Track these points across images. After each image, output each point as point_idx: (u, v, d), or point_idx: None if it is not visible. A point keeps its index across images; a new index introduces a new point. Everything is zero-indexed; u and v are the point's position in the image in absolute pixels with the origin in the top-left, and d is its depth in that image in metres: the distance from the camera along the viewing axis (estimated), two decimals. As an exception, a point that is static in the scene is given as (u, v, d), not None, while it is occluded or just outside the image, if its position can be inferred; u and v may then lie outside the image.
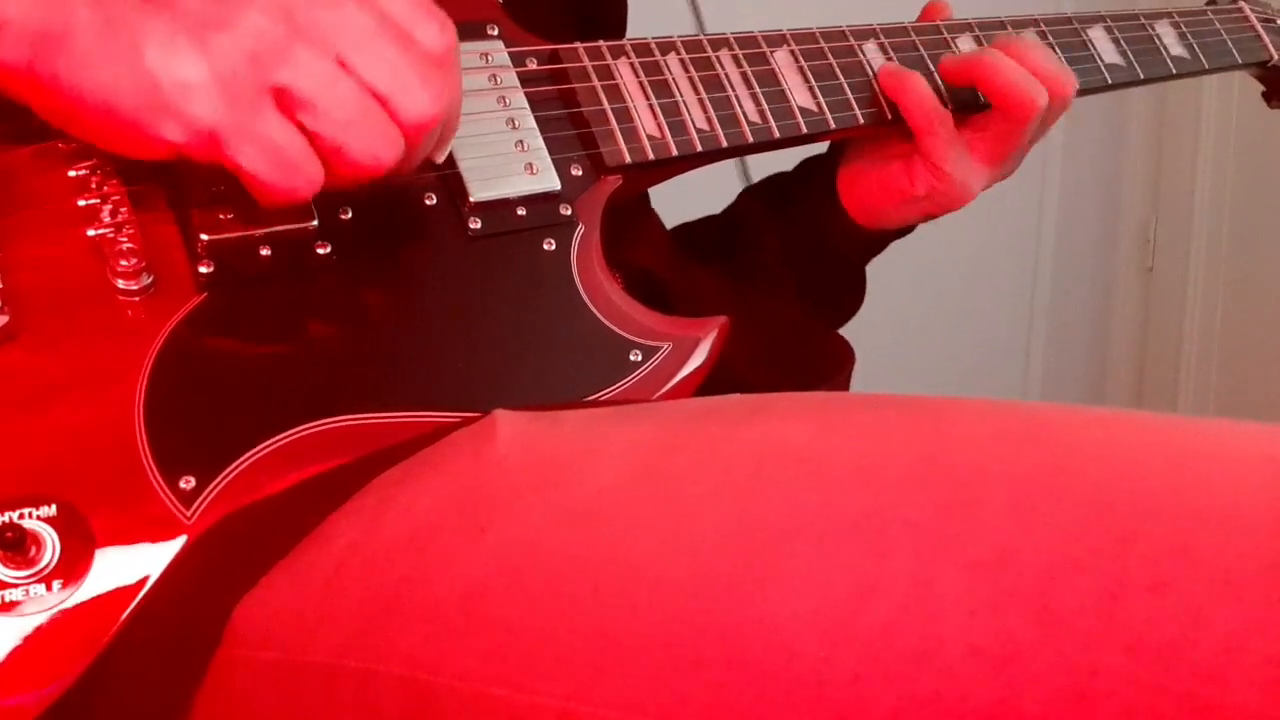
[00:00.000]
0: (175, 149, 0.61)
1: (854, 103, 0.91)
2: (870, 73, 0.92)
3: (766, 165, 0.99)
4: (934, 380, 2.53)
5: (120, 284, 0.66)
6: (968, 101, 0.95)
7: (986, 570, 0.49)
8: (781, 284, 1.02)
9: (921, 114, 0.92)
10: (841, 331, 1.04)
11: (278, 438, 0.66)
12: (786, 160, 0.96)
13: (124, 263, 0.66)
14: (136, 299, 0.67)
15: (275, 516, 0.65)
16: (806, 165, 1.03)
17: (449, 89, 0.66)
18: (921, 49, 0.94)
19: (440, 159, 0.70)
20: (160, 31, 0.60)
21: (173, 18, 0.60)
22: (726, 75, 0.87)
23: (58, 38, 0.59)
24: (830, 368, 0.99)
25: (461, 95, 0.68)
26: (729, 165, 0.98)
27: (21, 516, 0.60)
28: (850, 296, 1.06)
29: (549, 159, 0.79)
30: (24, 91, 0.61)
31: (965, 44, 0.97)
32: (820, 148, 1.00)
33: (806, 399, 0.67)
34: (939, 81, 0.95)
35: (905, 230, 1.02)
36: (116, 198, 0.68)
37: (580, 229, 0.79)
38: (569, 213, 0.79)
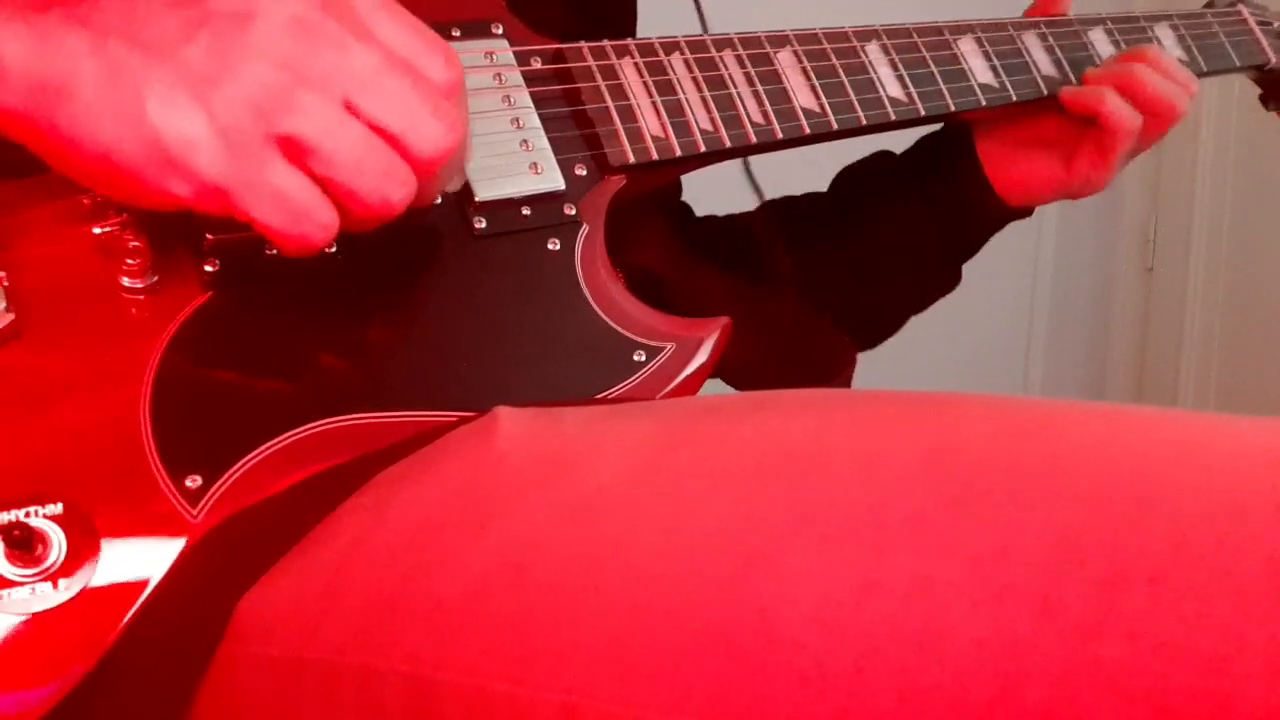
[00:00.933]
0: (181, 202, 0.60)
1: (856, 104, 0.91)
2: (873, 73, 0.93)
3: (769, 166, 0.99)
4: (934, 380, 2.52)
5: (126, 282, 0.66)
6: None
7: (987, 563, 0.49)
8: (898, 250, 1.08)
9: (1119, 122, 1.00)
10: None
11: (283, 436, 0.67)
12: (786, 160, 0.96)
13: (130, 261, 0.66)
14: (142, 297, 0.67)
15: (279, 514, 0.65)
16: (931, 142, 1.09)
17: (461, 119, 0.65)
18: (924, 50, 0.95)
19: (455, 189, 0.70)
20: (162, 84, 0.58)
21: (175, 69, 0.59)
22: (730, 75, 0.87)
23: (58, 88, 0.58)
24: (831, 368, 0.99)
25: (469, 125, 0.67)
26: (734, 166, 0.98)
27: (28, 515, 0.60)
28: (949, 279, 1.13)
29: (553, 159, 0.79)
30: (24, 137, 0.60)
31: (966, 45, 0.97)
32: (828, 149, 0.99)
33: (807, 395, 0.67)
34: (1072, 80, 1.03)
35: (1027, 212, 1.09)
36: None
37: (584, 229, 0.79)
38: (573, 212, 0.79)
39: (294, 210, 0.61)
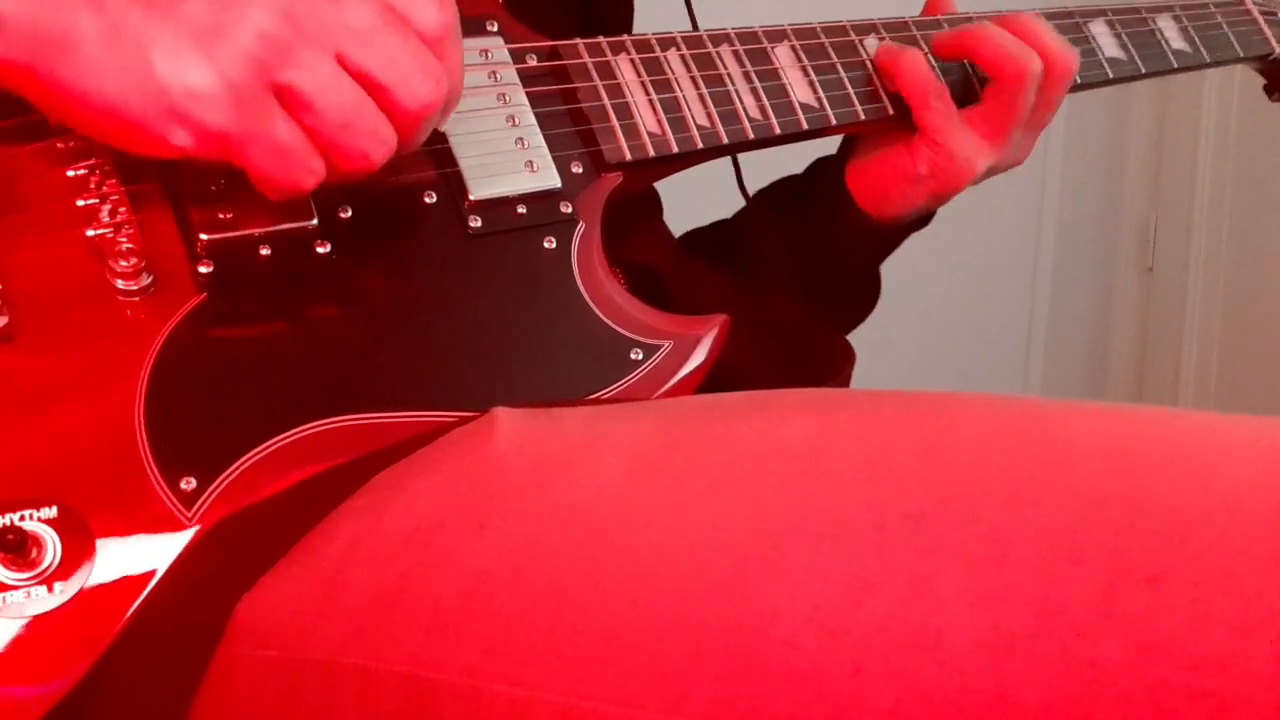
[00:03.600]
0: (183, 151, 0.62)
1: (855, 98, 0.90)
2: (871, 68, 0.92)
3: (764, 163, 0.99)
4: (934, 380, 2.53)
5: (120, 284, 0.66)
6: (966, 87, 0.95)
7: (985, 564, 0.49)
8: (783, 284, 1.01)
9: (918, 88, 0.91)
10: (841, 331, 1.04)
11: (278, 438, 0.66)
12: (784, 157, 0.96)
13: (123, 263, 0.66)
14: (136, 299, 0.66)
15: (276, 516, 0.65)
16: (816, 164, 1.03)
17: (450, 70, 0.67)
18: (923, 45, 0.94)
19: (444, 126, 0.70)
20: (166, 39, 0.60)
21: (177, 24, 0.60)
22: (727, 71, 0.86)
23: (59, 42, 0.59)
24: (830, 367, 0.99)
25: (463, 69, 0.68)
26: (724, 166, 0.98)
27: (22, 519, 0.60)
28: (863, 297, 1.05)
29: (549, 156, 0.79)
30: (26, 89, 0.61)
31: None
32: (827, 146, 0.99)
33: (806, 395, 0.67)
34: (932, 60, 0.94)
35: (918, 224, 1.01)
36: (115, 197, 0.67)
37: (581, 227, 0.79)
38: (569, 210, 0.79)
39: (288, 158, 0.63)
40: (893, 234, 1.00)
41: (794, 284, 1.01)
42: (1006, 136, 0.94)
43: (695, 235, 1.07)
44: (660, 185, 0.95)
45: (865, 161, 0.97)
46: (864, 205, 0.98)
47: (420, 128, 0.67)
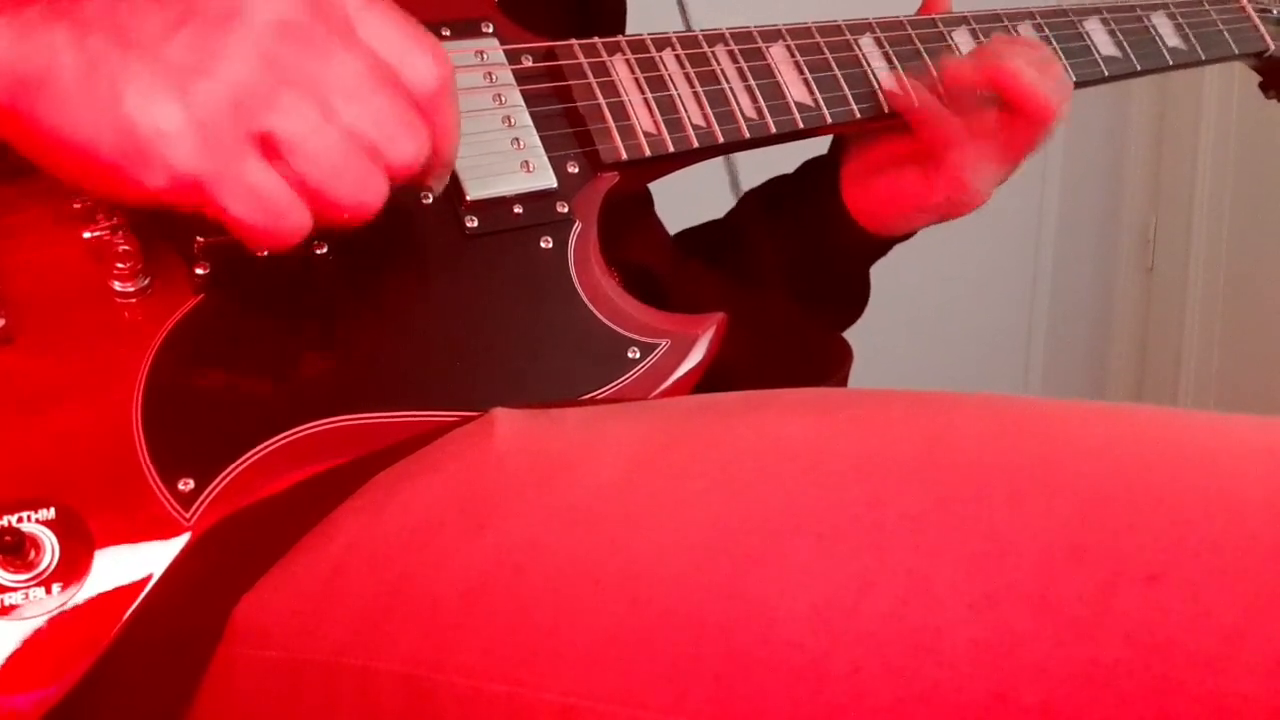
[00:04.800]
0: (157, 195, 0.59)
1: (850, 98, 0.90)
2: (867, 66, 0.92)
3: (758, 163, 0.99)
4: (933, 380, 2.52)
5: (117, 286, 0.66)
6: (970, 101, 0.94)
7: (985, 563, 0.49)
8: (778, 284, 1.01)
9: (943, 130, 0.92)
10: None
11: (276, 438, 0.66)
12: (780, 156, 0.96)
13: (120, 265, 0.66)
14: (133, 301, 0.66)
15: (275, 516, 0.65)
16: (808, 168, 1.02)
17: (444, 128, 0.65)
18: (918, 43, 0.94)
19: (439, 190, 0.70)
20: (142, 78, 0.58)
21: (154, 64, 0.58)
22: (722, 71, 0.86)
23: (39, 79, 0.58)
24: (828, 366, 0.99)
25: (459, 123, 0.66)
26: (718, 166, 0.98)
27: (20, 520, 0.60)
28: (853, 301, 1.05)
29: (545, 156, 0.79)
30: (6, 130, 0.59)
31: (961, 38, 0.97)
32: (818, 145, 0.99)
33: (805, 394, 0.67)
34: (936, 76, 0.94)
35: (910, 233, 1.01)
36: None
37: (577, 226, 0.79)
38: (566, 210, 0.79)
39: (267, 207, 0.60)
40: (884, 244, 1.01)
41: (785, 285, 1.01)
42: (1018, 164, 0.95)
43: (688, 235, 1.07)
44: (654, 184, 0.95)
45: (869, 180, 0.97)
46: (863, 221, 0.98)
47: (420, 177, 0.65)
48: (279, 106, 0.59)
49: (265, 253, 0.69)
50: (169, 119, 0.58)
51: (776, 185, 1.05)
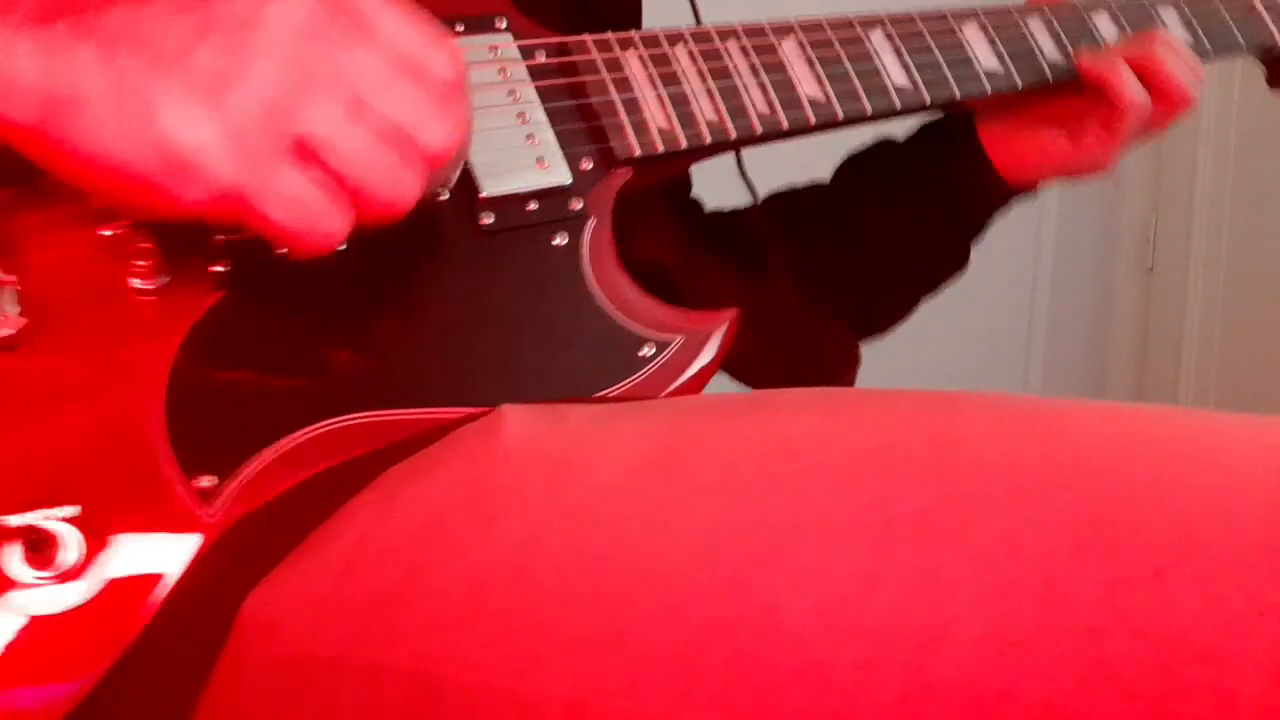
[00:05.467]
0: (197, 209, 0.60)
1: (861, 92, 0.90)
2: (878, 61, 0.92)
3: (762, 160, 0.99)
4: (934, 380, 2.52)
5: (136, 284, 0.66)
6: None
7: (991, 559, 0.49)
8: (879, 245, 1.08)
9: (1131, 98, 0.98)
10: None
11: (296, 435, 0.67)
12: (785, 153, 0.96)
13: (139, 263, 0.66)
14: (153, 299, 0.66)
15: (284, 512, 0.66)
16: (934, 129, 1.08)
17: (464, 115, 0.65)
18: (929, 37, 0.94)
19: (450, 182, 0.70)
20: (173, 93, 0.58)
21: (184, 77, 0.58)
22: (734, 66, 0.86)
23: (69, 101, 0.58)
24: (837, 367, 0.99)
25: (471, 124, 0.67)
26: (727, 160, 0.98)
27: (45, 518, 0.60)
28: (963, 258, 1.11)
29: (560, 153, 0.79)
30: (35, 152, 0.59)
31: (970, 30, 0.96)
32: (828, 140, 0.99)
33: (812, 394, 0.68)
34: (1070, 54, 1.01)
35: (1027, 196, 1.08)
36: None
37: (591, 222, 0.79)
38: (580, 207, 0.79)
39: (307, 212, 0.61)
40: (1012, 197, 1.08)
41: (887, 246, 1.08)
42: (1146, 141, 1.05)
43: (781, 199, 1.12)
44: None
45: (1014, 134, 1.04)
46: (1005, 175, 1.05)
47: (440, 173, 0.66)
48: (310, 111, 0.60)
49: (302, 256, 0.69)
50: (206, 134, 0.58)
51: (888, 150, 1.10)
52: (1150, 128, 1.02)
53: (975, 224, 1.09)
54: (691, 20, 0.91)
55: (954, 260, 1.10)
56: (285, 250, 0.67)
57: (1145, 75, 0.99)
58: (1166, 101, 0.99)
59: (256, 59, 0.59)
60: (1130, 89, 0.98)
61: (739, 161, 1.01)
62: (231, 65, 0.59)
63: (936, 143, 1.07)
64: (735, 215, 1.10)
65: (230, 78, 0.59)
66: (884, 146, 1.09)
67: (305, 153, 0.60)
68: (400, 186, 0.63)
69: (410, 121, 0.62)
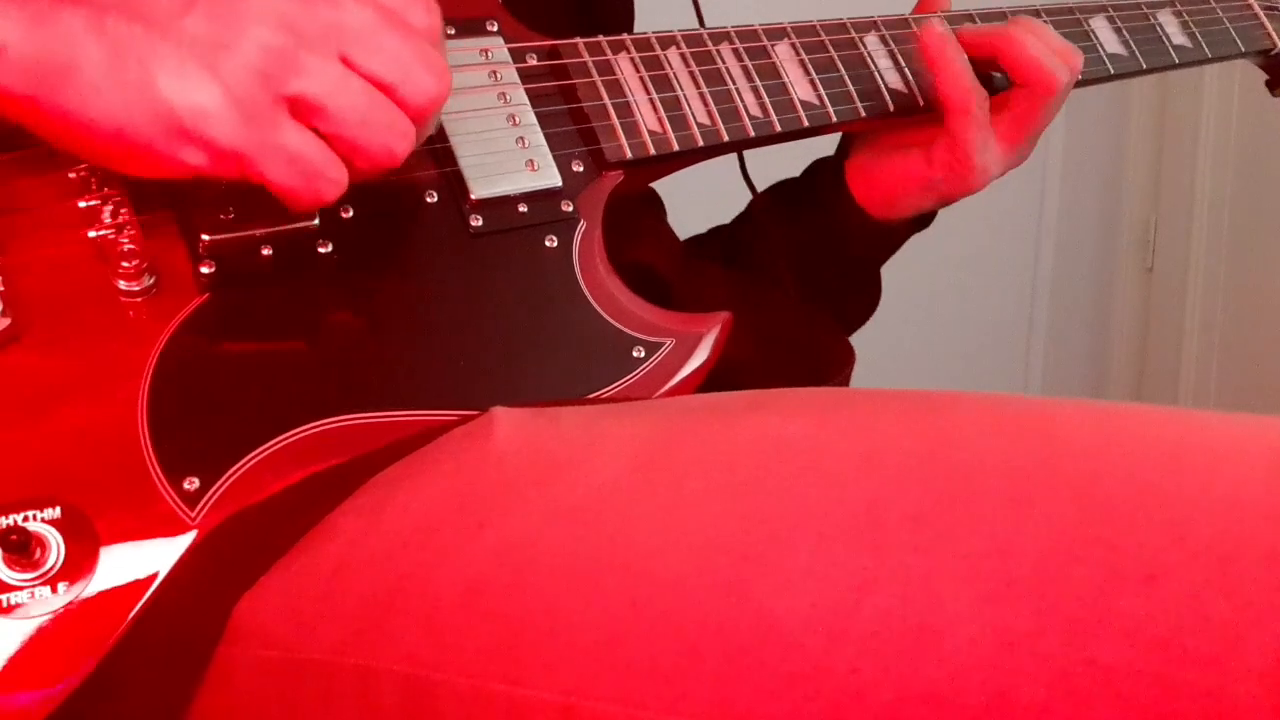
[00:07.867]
0: (196, 170, 0.61)
1: (855, 95, 0.90)
2: (872, 64, 0.92)
3: (766, 161, 0.99)
4: (934, 379, 2.52)
5: (122, 285, 0.66)
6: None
7: (984, 562, 0.49)
8: (784, 284, 1.01)
9: (959, 91, 0.89)
10: (841, 330, 1.04)
11: (281, 437, 0.66)
12: (785, 154, 0.96)
13: (125, 264, 0.66)
14: (139, 300, 0.66)
15: (276, 515, 0.65)
16: (815, 166, 1.02)
17: (446, 62, 0.67)
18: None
19: (433, 131, 0.70)
20: (170, 58, 0.59)
21: (179, 41, 0.60)
22: (727, 69, 0.86)
23: (62, 69, 0.58)
24: (831, 367, 0.99)
25: (450, 73, 0.68)
26: (727, 164, 0.97)
27: (26, 519, 0.60)
28: (862, 292, 1.03)
29: (550, 155, 0.79)
30: (29, 119, 0.60)
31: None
32: (825, 144, 0.99)
33: (806, 395, 0.67)
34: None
35: (920, 225, 0.99)
36: (117, 199, 0.67)
37: (582, 225, 0.79)
38: (570, 209, 0.79)
39: (307, 168, 0.63)
40: (893, 234, 0.99)
41: (797, 282, 1.00)
42: (1023, 144, 0.93)
43: (696, 241, 1.07)
44: (663, 185, 0.95)
45: (872, 163, 0.96)
46: (867, 206, 0.97)
47: (427, 123, 0.67)
48: (303, 68, 0.61)
49: (270, 251, 0.69)
50: (207, 96, 0.60)
51: (784, 188, 1.04)
52: (1018, 127, 0.92)
53: (853, 259, 1.01)
54: (687, 24, 0.91)
55: (856, 299, 1.04)
56: (269, 250, 0.68)
57: (1003, 62, 0.91)
58: (1027, 86, 0.90)
59: (248, 20, 0.61)
60: (957, 84, 0.90)
61: (741, 163, 1.00)
62: (224, 28, 0.60)
63: (813, 176, 1.02)
64: (724, 228, 1.08)
65: (225, 40, 0.60)
66: (783, 183, 1.05)
67: (301, 111, 0.62)
68: (394, 136, 0.64)
69: (400, 71, 0.64)
